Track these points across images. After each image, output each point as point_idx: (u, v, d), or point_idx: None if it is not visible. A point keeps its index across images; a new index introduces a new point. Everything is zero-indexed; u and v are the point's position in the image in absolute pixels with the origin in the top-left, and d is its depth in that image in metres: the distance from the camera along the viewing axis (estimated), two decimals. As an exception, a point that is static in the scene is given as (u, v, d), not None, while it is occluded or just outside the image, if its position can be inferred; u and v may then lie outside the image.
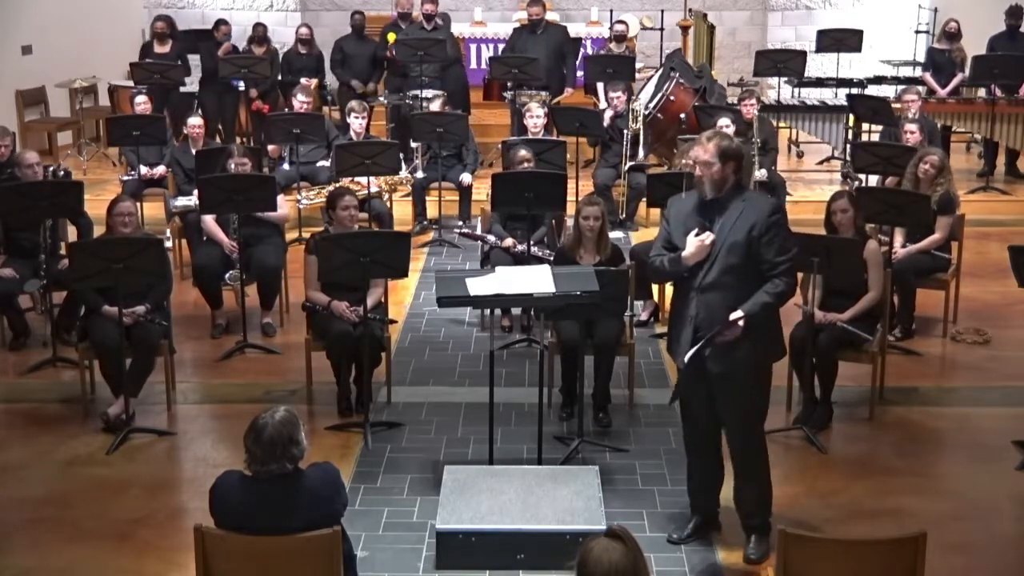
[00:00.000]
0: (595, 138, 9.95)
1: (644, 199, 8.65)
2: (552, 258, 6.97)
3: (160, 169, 9.34)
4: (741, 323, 4.71)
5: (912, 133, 8.64)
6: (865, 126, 11.32)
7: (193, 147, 8.94)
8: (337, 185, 8.78)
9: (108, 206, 6.70)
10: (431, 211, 9.93)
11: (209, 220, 7.75)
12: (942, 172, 7.57)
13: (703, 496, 5.20)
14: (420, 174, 9.81)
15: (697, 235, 4.76)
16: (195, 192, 7.96)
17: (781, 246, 4.77)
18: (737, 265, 4.75)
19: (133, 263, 6.05)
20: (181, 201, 8.66)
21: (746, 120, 9.58)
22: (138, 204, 7.81)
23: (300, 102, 9.86)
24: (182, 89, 11.70)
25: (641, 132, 9.86)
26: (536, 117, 9.45)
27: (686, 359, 4.78)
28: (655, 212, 8.51)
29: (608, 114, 9.89)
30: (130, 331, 6.27)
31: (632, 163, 9.79)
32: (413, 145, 9.96)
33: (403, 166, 9.52)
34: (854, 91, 11.34)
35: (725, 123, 8.88)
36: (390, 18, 12.87)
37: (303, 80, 11.54)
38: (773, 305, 4.79)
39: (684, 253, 4.79)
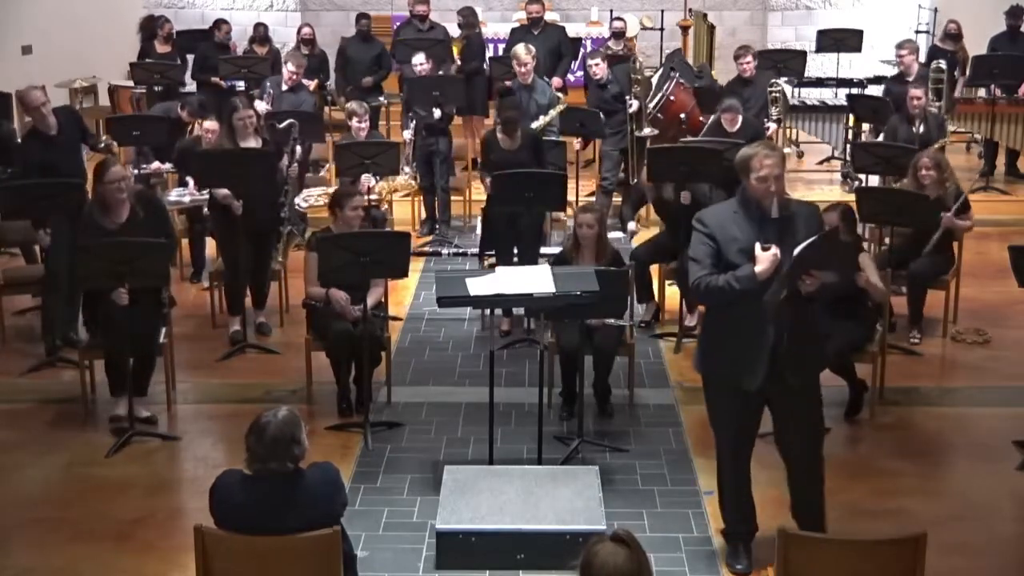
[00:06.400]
0: (597, 136, 9.93)
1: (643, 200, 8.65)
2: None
3: (166, 166, 9.28)
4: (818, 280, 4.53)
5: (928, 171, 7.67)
6: (865, 126, 11.32)
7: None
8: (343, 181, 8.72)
9: (96, 170, 6.40)
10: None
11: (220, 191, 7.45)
12: (942, 169, 7.53)
13: (751, 529, 5.05)
14: (408, 134, 9.70)
15: (764, 249, 4.50)
16: (191, 182, 8.00)
17: None
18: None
19: (139, 266, 5.99)
20: (175, 195, 8.63)
21: (743, 78, 9.67)
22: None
23: (290, 72, 9.77)
24: (181, 89, 11.70)
25: (641, 102, 9.80)
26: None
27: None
28: (655, 213, 8.50)
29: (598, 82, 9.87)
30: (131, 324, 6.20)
31: (638, 134, 9.72)
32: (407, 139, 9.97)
33: (406, 170, 9.50)
34: (854, 91, 11.35)
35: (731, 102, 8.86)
36: (390, 18, 12.87)
37: (305, 81, 11.53)
38: (827, 287, 4.66)
39: (758, 269, 4.49)
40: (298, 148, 8.81)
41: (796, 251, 4.44)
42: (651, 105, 10.54)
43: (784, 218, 4.63)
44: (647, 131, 9.66)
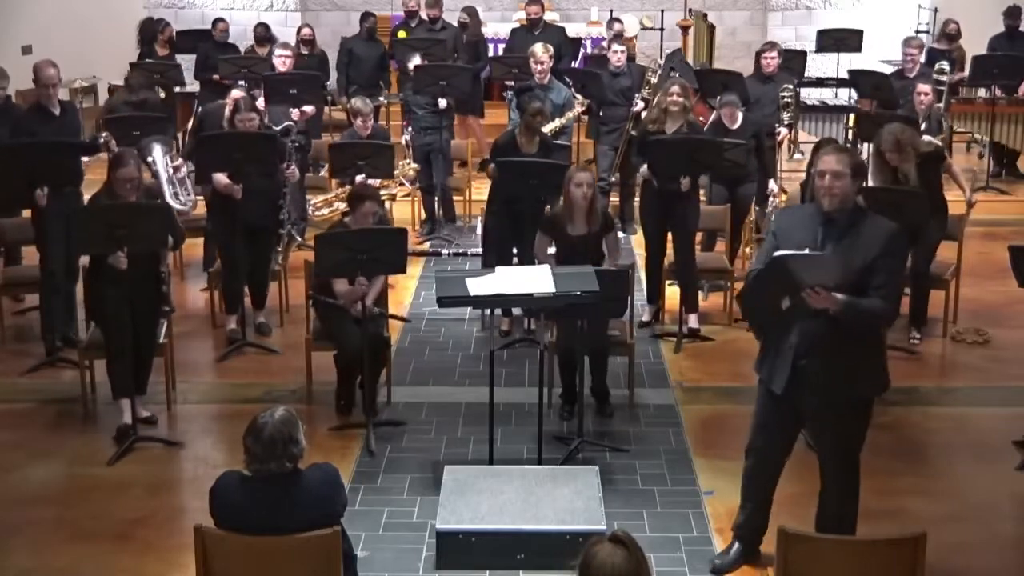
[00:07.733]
0: (597, 101, 9.82)
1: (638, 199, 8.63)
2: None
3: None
4: (836, 299, 4.32)
5: None
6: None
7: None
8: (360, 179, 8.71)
9: (111, 161, 6.37)
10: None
11: (219, 176, 7.38)
12: (902, 146, 7.31)
13: (753, 526, 5.01)
14: (406, 138, 9.74)
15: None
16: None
17: (891, 271, 4.45)
18: (848, 291, 4.36)
19: (137, 229, 5.92)
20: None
21: (765, 73, 9.61)
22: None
23: (281, 56, 9.77)
24: (180, 90, 11.69)
25: (648, 104, 9.75)
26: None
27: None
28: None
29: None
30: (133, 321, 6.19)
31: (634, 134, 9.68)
32: (405, 139, 9.97)
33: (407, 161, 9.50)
34: (856, 67, 11.29)
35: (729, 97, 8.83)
36: (390, 18, 12.85)
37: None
38: (870, 316, 4.43)
39: None
40: (293, 118, 8.83)
41: (778, 253, 4.38)
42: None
43: (847, 223, 4.47)
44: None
